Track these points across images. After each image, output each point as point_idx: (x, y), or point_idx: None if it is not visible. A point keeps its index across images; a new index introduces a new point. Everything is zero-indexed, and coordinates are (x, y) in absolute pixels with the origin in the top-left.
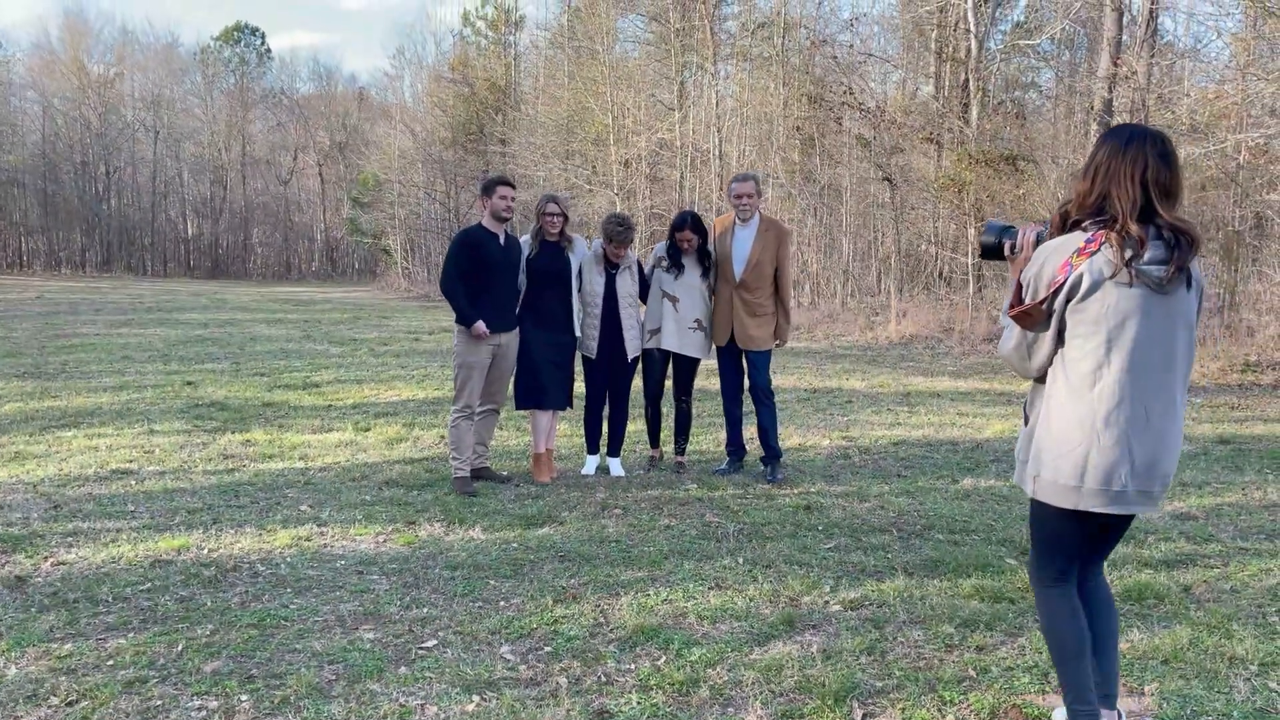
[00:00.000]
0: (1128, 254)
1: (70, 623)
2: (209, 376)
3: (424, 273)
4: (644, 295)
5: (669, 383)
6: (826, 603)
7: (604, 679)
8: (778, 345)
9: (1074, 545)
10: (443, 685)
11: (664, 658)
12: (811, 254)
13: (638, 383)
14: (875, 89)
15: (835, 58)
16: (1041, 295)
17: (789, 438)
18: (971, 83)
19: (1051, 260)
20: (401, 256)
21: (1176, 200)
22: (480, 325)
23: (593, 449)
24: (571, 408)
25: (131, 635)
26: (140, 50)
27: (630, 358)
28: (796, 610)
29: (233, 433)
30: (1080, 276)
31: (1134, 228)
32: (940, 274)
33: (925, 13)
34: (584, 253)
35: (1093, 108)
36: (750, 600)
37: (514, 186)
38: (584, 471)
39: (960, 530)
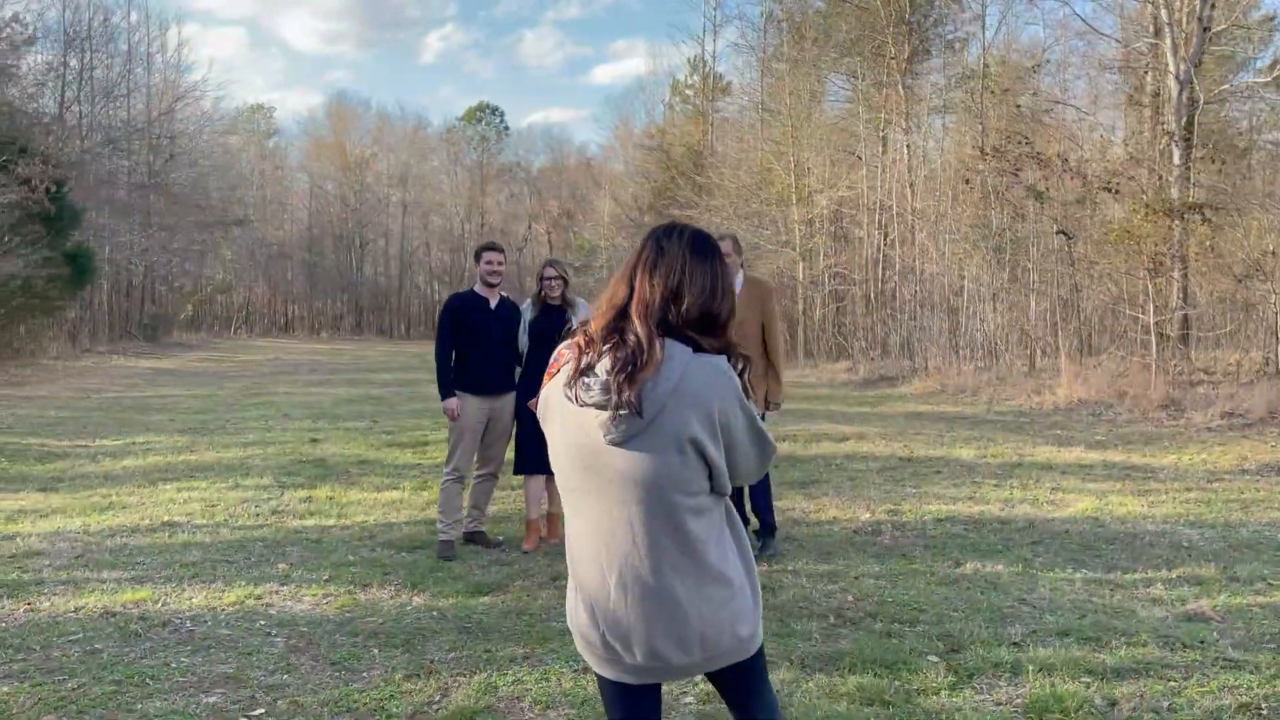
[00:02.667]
0: (584, 361)
1: None
2: (339, 434)
3: None
4: None
5: None
6: (683, 694)
7: None
8: (773, 409)
9: (617, 707)
10: None
11: None
12: (990, 311)
13: None
14: (1082, 135)
15: (1019, 106)
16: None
17: (825, 510)
18: (1169, 127)
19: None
20: None
21: (691, 307)
22: (451, 404)
23: None
24: None
25: (14, 684)
26: (391, 132)
27: None
28: None
29: (303, 489)
30: (544, 398)
31: (598, 325)
32: (1124, 333)
33: (1134, 52)
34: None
35: None
36: None
37: (501, 251)
38: None
39: (905, 620)
